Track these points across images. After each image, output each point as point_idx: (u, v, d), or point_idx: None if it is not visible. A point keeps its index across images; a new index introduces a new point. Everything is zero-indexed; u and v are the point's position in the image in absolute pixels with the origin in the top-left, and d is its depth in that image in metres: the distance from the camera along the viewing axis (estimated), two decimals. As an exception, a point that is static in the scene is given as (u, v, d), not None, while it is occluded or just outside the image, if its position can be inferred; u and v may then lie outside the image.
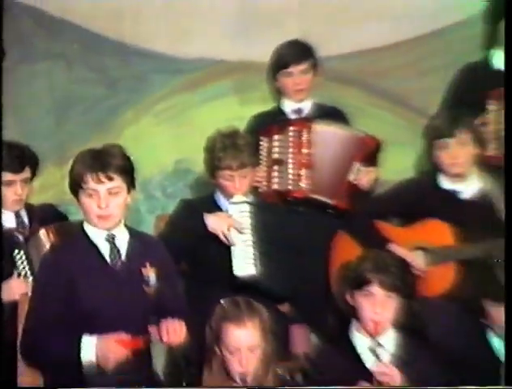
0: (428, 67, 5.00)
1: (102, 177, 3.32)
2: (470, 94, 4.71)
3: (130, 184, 3.40)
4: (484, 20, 4.88)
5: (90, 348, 3.37)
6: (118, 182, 3.33)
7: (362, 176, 4.45)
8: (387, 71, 5.07)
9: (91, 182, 3.32)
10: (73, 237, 3.57)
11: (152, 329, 3.55)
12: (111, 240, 3.45)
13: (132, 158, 3.55)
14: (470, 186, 4.36)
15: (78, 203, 3.38)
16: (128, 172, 3.40)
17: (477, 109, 4.56)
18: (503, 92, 4.45)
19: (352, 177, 4.44)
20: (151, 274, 3.52)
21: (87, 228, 3.42)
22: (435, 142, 4.33)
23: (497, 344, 3.92)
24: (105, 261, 3.46)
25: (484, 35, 4.88)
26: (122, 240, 3.47)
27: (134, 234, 3.57)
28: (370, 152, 4.52)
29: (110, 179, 3.33)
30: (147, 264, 3.52)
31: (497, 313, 3.90)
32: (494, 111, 4.65)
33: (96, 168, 3.34)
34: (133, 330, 3.42)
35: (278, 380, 3.63)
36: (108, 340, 3.38)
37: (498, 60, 4.69)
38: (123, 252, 3.48)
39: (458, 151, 4.29)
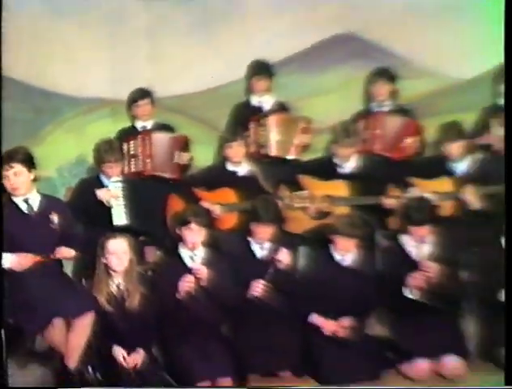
0: (222, 103, 5.21)
1: (7, 167, 3.82)
2: (240, 119, 5.08)
3: (30, 167, 3.86)
4: (247, 78, 5.16)
5: (8, 260, 3.76)
6: (19, 168, 3.82)
7: (182, 158, 4.88)
8: (200, 105, 5.30)
9: (4, 171, 3.83)
10: (8, 202, 3.88)
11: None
12: (26, 201, 3.88)
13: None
14: (244, 168, 4.82)
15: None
16: (26, 160, 3.86)
17: (245, 128, 4.95)
18: (259, 118, 4.99)
19: (176, 160, 4.89)
20: (54, 218, 3.92)
21: (12, 197, 3.88)
22: (225, 144, 4.83)
23: (256, 249, 4.28)
24: (24, 213, 3.88)
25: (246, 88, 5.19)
26: (34, 200, 3.92)
27: (44, 197, 3.99)
28: (183, 144, 4.93)
29: (12, 167, 3.81)
30: (52, 212, 3.93)
31: (256, 230, 4.27)
32: (253, 128, 4.96)
33: (5, 162, 3.84)
34: (44, 252, 3.85)
35: (139, 275, 3.97)
36: (21, 254, 3.77)
37: (254, 101, 5.12)
38: (35, 207, 3.91)
39: (237, 150, 4.77)
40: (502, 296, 4.00)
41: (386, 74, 5.04)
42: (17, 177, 3.83)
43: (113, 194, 4.52)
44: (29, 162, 3.90)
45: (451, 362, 4.06)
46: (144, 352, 3.92)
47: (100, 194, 4.48)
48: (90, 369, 3.79)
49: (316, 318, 4.16)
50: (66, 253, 3.92)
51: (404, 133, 4.90)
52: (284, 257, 4.23)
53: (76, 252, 4.01)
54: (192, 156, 5.01)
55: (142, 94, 5.02)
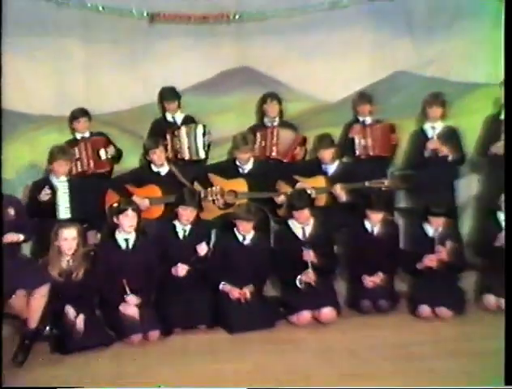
0: (144, 118, 5.31)
1: None
2: (159, 131, 5.19)
3: None
4: (159, 100, 5.33)
5: None
6: None
7: (106, 153, 5.02)
8: (128, 120, 5.41)
9: None
10: None
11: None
12: None
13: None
14: (165, 169, 4.95)
15: None
16: None
17: (164, 137, 5.09)
18: (173, 130, 5.14)
19: (102, 156, 5.03)
20: (11, 211, 4.08)
21: None
22: (150, 151, 4.91)
23: (180, 231, 4.45)
24: None
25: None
26: None
27: (3, 195, 4.11)
28: (104, 142, 5.07)
29: None
30: (10, 206, 4.08)
31: (182, 213, 4.42)
32: (169, 138, 5.11)
33: None
34: None
35: (83, 254, 4.17)
36: None
37: (168, 117, 5.22)
38: None
39: (159, 155, 4.90)
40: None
41: (276, 97, 5.30)
42: None
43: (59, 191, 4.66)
44: None
45: (327, 312, 4.37)
46: (89, 312, 4.13)
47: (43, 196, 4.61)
48: (47, 327, 4.01)
49: (224, 286, 4.44)
50: (14, 238, 4.01)
51: (295, 143, 5.23)
52: (203, 249, 4.47)
53: (27, 237, 4.12)
54: (117, 150, 5.09)
55: (82, 113, 5.13)
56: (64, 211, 4.66)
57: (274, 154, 5.19)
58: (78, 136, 5.17)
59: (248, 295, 4.42)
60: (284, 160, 5.20)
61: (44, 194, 4.58)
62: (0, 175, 4.24)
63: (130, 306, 4.21)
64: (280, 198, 4.86)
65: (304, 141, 5.28)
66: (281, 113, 5.33)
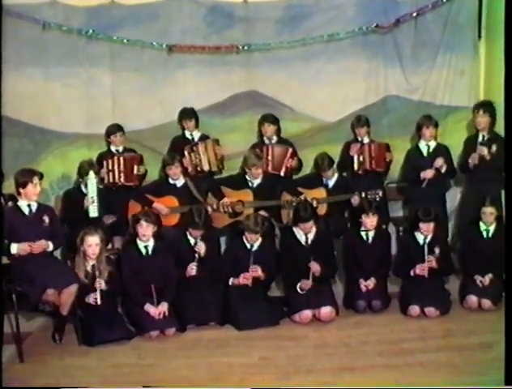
0: (164, 135, 5.29)
1: (30, 180, 3.93)
2: (177, 147, 5.14)
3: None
4: (178, 119, 5.29)
5: (15, 247, 3.90)
6: (37, 181, 3.95)
7: (139, 170, 4.98)
8: (149, 138, 5.35)
9: (29, 182, 3.94)
10: (13, 205, 4.04)
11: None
12: (29, 206, 3.99)
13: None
14: (181, 182, 4.93)
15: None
16: (41, 177, 4.01)
17: (181, 153, 5.06)
18: (192, 146, 5.04)
19: (135, 172, 4.98)
20: (46, 219, 4.04)
21: (19, 202, 4.00)
22: (167, 166, 4.90)
23: (191, 239, 4.37)
24: (25, 215, 3.99)
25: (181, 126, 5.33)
26: (34, 206, 4.03)
27: (40, 204, 4.10)
28: (139, 160, 4.99)
29: (35, 180, 3.95)
30: (45, 215, 4.05)
31: (192, 232, 4.35)
32: (188, 153, 5.10)
33: (29, 176, 3.95)
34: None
35: (107, 258, 4.19)
36: (23, 243, 3.91)
37: (187, 134, 5.24)
38: (34, 210, 4.02)
39: (175, 170, 4.87)
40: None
41: (270, 119, 5.25)
42: (36, 188, 3.97)
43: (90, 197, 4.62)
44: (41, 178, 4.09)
45: (326, 311, 4.31)
46: (112, 309, 4.15)
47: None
48: (79, 312, 4.09)
49: (233, 280, 4.37)
50: (44, 246, 3.98)
51: (287, 157, 5.15)
52: (201, 248, 4.40)
53: (57, 245, 4.09)
54: (146, 169, 5.09)
55: (118, 128, 5.14)
56: (93, 212, 4.57)
57: (269, 168, 5.13)
58: (113, 149, 5.15)
59: (250, 280, 4.29)
60: (281, 173, 5.12)
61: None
62: (1, 172, 4.29)
63: (155, 309, 4.19)
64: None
65: (294, 153, 5.21)
66: (278, 132, 5.30)
